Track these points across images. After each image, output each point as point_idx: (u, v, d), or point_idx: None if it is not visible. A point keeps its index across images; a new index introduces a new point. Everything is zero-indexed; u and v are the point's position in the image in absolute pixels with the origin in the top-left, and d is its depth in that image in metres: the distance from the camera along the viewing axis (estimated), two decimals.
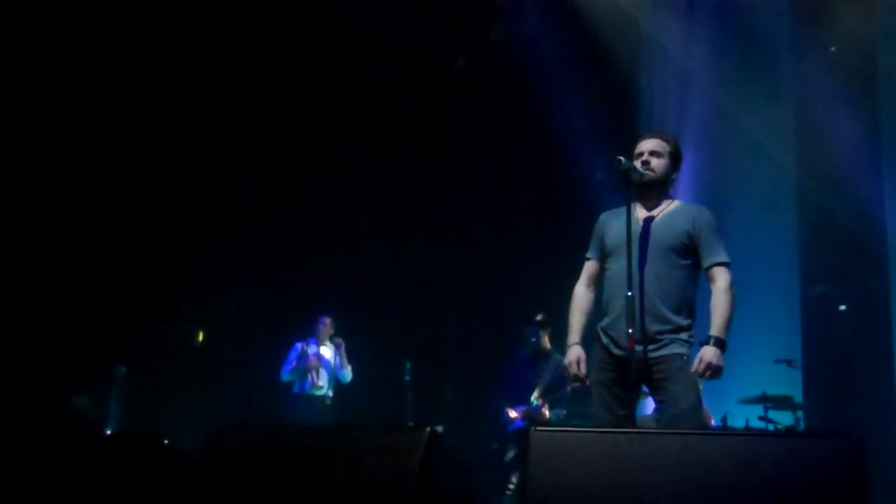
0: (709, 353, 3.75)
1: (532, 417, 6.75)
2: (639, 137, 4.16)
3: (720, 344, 3.77)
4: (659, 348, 3.83)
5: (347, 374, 8.23)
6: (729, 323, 3.83)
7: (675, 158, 4.10)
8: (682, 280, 3.93)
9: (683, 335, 3.86)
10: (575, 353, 3.99)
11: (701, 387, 3.88)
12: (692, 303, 3.96)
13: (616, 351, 3.86)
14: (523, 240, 8.95)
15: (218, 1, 8.45)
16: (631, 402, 3.94)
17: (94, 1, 7.87)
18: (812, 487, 2.61)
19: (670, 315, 3.86)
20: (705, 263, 3.95)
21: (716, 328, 3.81)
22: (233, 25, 8.58)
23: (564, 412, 6.82)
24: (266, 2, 8.65)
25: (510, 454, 6.82)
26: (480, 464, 7.26)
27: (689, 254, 3.96)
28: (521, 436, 6.70)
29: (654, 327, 3.83)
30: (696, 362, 3.76)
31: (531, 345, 7.12)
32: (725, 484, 2.63)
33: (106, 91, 8.19)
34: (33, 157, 7.86)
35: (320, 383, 8.11)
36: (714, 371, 3.74)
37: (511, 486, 6.64)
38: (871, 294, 7.65)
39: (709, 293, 3.95)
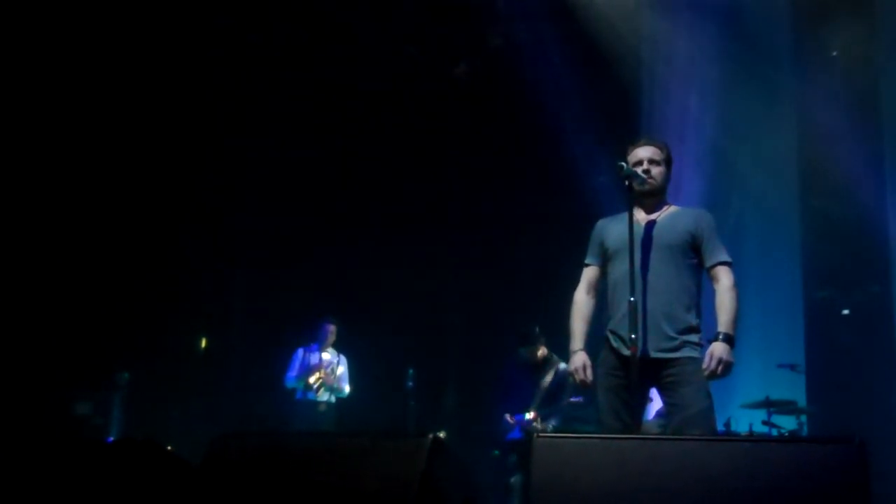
0: (719, 348, 3.77)
1: (526, 431, 6.76)
2: (632, 144, 4.19)
3: (729, 340, 3.79)
4: (671, 350, 3.84)
5: (345, 389, 8.26)
6: (736, 320, 3.85)
7: (669, 164, 4.18)
8: (689, 280, 3.96)
9: (694, 337, 3.88)
10: (580, 358, 4.00)
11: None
12: (698, 302, 3.99)
13: (626, 352, 3.85)
14: (525, 245, 8.95)
15: (218, 5, 8.46)
16: (637, 408, 3.94)
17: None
18: (815, 492, 2.61)
19: (681, 314, 3.88)
20: (708, 263, 3.99)
21: (723, 325, 3.83)
22: (232, 31, 8.60)
23: (553, 423, 6.79)
24: (267, 6, 8.66)
25: (511, 459, 6.83)
26: (482, 469, 7.26)
27: (694, 254, 3.99)
28: (519, 445, 6.71)
29: (664, 327, 3.85)
30: (706, 359, 3.77)
31: (525, 358, 7.13)
32: (729, 490, 2.63)
33: (111, 97, 8.20)
34: (37, 161, 7.88)
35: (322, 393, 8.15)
36: (725, 367, 3.75)
37: (512, 486, 6.66)
38: (873, 298, 7.64)
39: (710, 295, 3.98)
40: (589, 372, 3.97)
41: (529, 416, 6.82)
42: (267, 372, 8.49)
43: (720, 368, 3.75)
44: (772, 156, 8.45)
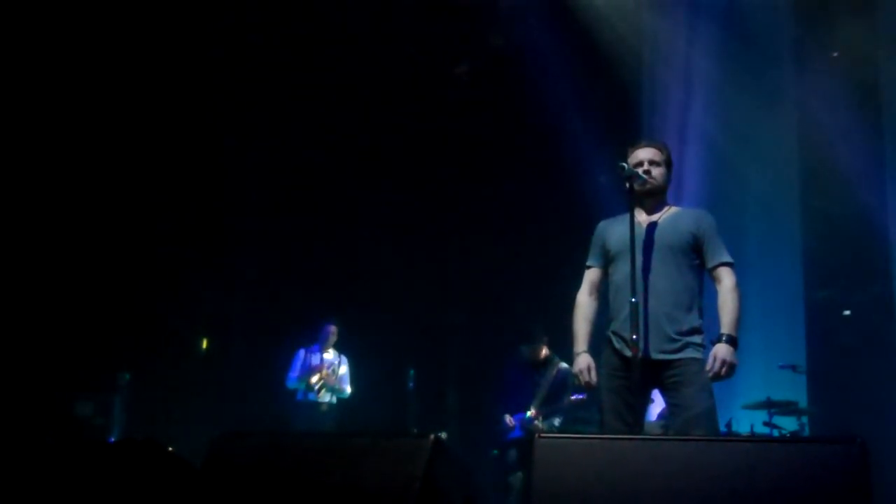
0: (722, 350, 3.77)
1: (527, 429, 6.76)
2: (632, 146, 4.20)
3: (732, 341, 3.79)
4: (673, 352, 3.83)
5: (346, 390, 8.27)
6: (739, 321, 3.85)
7: (669, 165, 4.19)
8: (691, 280, 3.96)
9: (696, 338, 3.87)
10: (584, 360, 4.00)
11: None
12: (700, 303, 3.99)
13: (629, 354, 3.84)
14: (525, 245, 8.94)
15: (218, 5, 8.46)
16: (639, 409, 3.93)
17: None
18: (816, 493, 2.61)
19: (682, 315, 3.88)
20: (710, 263, 3.99)
21: (727, 326, 3.83)
22: (233, 31, 8.59)
23: (557, 422, 6.80)
24: (267, 6, 8.66)
25: (511, 456, 6.83)
26: (483, 469, 7.26)
27: (695, 255, 4.00)
28: (520, 443, 6.71)
29: (666, 328, 3.85)
30: (710, 361, 3.77)
31: (527, 356, 7.13)
32: (730, 490, 2.63)
33: (113, 98, 8.20)
34: (39, 162, 7.88)
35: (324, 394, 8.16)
36: (728, 368, 3.76)
37: (512, 484, 6.67)
38: (874, 298, 7.64)
39: (712, 295, 3.98)
40: (593, 374, 3.97)
41: (531, 413, 6.82)
42: (267, 372, 8.49)
43: (724, 370, 3.75)
44: (772, 156, 8.44)
